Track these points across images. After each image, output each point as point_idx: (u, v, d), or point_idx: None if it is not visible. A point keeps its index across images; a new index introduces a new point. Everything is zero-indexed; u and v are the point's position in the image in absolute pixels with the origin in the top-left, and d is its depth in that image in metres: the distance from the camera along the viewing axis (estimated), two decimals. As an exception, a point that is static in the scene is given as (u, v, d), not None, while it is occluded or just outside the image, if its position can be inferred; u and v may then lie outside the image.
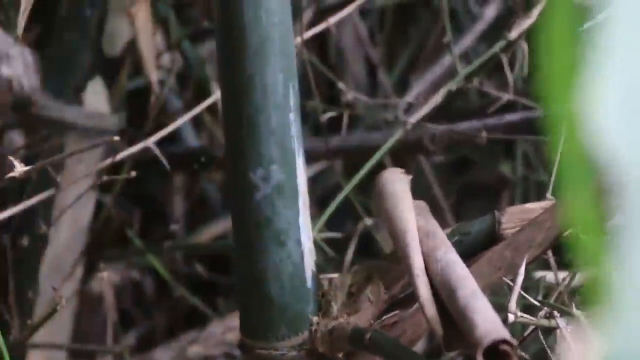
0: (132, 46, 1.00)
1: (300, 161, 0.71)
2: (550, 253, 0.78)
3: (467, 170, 1.38)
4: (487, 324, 0.55)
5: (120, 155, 0.91)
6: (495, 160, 1.29)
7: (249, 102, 0.68)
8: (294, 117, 0.70)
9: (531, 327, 0.76)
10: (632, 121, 0.25)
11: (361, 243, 1.00)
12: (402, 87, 1.24)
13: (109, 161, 0.92)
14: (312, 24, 1.03)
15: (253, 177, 0.69)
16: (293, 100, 0.69)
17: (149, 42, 0.99)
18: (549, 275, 0.84)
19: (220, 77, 0.70)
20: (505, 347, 0.54)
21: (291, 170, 0.70)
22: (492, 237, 0.72)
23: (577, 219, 0.25)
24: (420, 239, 0.67)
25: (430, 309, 0.62)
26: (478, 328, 0.55)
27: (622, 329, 0.22)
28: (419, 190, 0.74)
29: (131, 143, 1.10)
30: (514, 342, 0.54)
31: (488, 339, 0.54)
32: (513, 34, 0.92)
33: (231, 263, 1.26)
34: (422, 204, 0.72)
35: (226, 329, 1.10)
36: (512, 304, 0.62)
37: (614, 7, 0.25)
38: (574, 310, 0.72)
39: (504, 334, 0.54)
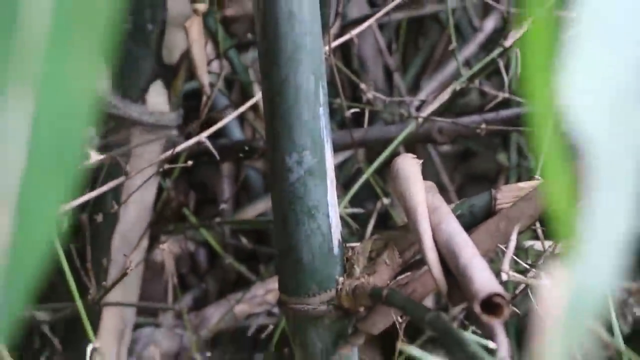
0: (186, 55, 1.01)
1: (328, 148, 0.71)
2: (538, 224, 0.78)
3: (470, 160, 1.38)
4: (484, 280, 0.55)
5: (179, 148, 0.92)
6: (493, 151, 1.29)
7: (284, 99, 0.68)
8: (323, 111, 0.70)
9: (522, 286, 0.77)
10: (596, 105, 0.26)
11: (379, 218, 1.00)
12: (414, 88, 1.24)
13: (169, 153, 0.92)
14: (338, 35, 1.03)
15: (288, 161, 0.69)
16: (322, 96, 0.70)
17: (201, 51, 0.99)
18: (537, 244, 0.84)
19: (261, 78, 0.71)
20: (498, 299, 0.54)
21: (320, 156, 0.70)
22: (489, 211, 0.72)
23: (554, 191, 0.25)
24: (429, 213, 0.67)
25: (437, 271, 0.62)
26: (476, 284, 0.55)
27: (583, 268, 0.23)
28: (428, 176, 0.74)
29: (187, 136, 1.11)
30: (507, 295, 0.54)
31: (484, 292, 0.54)
32: (508, 42, 0.93)
33: (271, 235, 1.27)
34: (430, 184, 0.72)
35: (267, 291, 1.10)
36: (506, 266, 0.62)
37: (582, 12, 0.26)
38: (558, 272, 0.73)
39: (498, 288, 0.54)
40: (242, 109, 0.98)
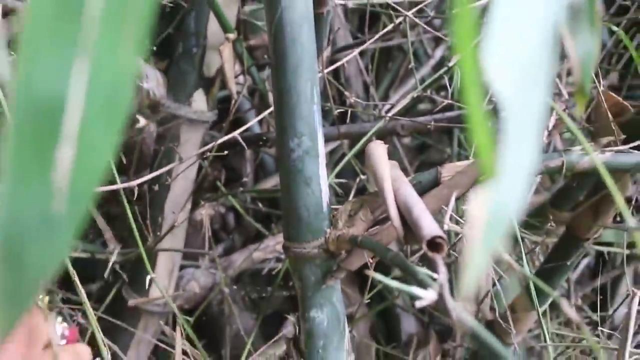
0: (220, 70, 1.00)
1: (320, 135, 0.70)
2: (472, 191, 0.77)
3: (424, 151, 1.38)
4: (429, 227, 0.55)
5: (220, 141, 0.91)
6: (442, 144, 1.29)
7: (289, 100, 0.68)
8: (316, 108, 0.70)
9: (459, 236, 0.76)
10: (509, 72, 0.25)
11: (358, 189, 1.00)
12: (384, 97, 1.23)
13: (212, 145, 0.92)
14: (330, 57, 1.03)
15: (291, 144, 0.69)
16: (316, 98, 0.69)
17: (231, 68, 0.99)
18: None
19: (273, 85, 0.70)
20: (440, 240, 0.54)
21: (314, 140, 0.70)
22: (436, 182, 0.72)
23: (480, 138, 0.25)
24: (392, 182, 0.67)
25: (397, 221, 0.62)
26: (424, 230, 0.55)
27: (498, 193, 0.23)
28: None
29: (220, 130, 1.10)
30: (445, 236, 0.53)
31: (429, 234, 0.54)
32: (451, 63, 0.92)
33: (279, 202, 1.27)
34: (393, 162, 0.72)
35: (276, 242, 1.10)
36: (447, 219, 0.62)
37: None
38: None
39: (440, 232, 0.54)
40: (263, 114, 0.97)
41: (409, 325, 1.23)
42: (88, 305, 0.73)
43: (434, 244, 0.54)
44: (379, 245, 0.66)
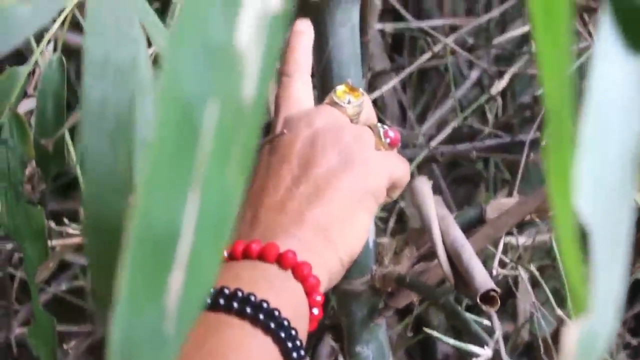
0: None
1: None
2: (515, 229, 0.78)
3: (457, 167, 1.37)
4: (482, 279, 0.55)
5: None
6: (473, 162, 1.27)
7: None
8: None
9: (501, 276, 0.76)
10: (594, 193, 0.25)
11: (398, 217, 1.00)
12: (422, 117, 1.22)
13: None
14: (369, 81, 1.02)
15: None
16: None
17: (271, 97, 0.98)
18: (513, 239, 0.84)
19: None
20: (493, 293, 0.54)
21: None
22: (480, 219, 0.72)
23: (569, 268, 0.25)
24: (438, 221, 0.67)
25: (446, 266, 0.62)
26: (476, 282, 0.55)
27: (591, 320, 0.23)
28: (429, 177, 0.74)
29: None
30: (498, 290, 0.54)
31: (483, 288, 0.54)
32: (493, 90, 0.92)
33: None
34: (438, 198, 0.72)
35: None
36: (495, 264, 0.62)
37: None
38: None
39: (492, 284, 0.54)
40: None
41: (445, 344, 1.23)
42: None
43: (487, 297, 0.55)
44: (428, 286, 0.67)
